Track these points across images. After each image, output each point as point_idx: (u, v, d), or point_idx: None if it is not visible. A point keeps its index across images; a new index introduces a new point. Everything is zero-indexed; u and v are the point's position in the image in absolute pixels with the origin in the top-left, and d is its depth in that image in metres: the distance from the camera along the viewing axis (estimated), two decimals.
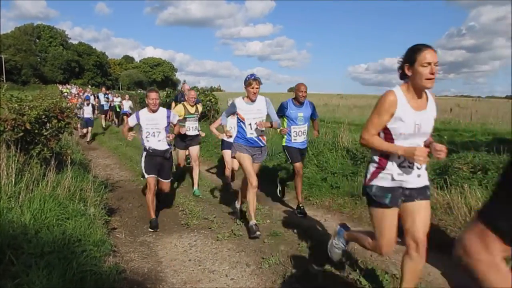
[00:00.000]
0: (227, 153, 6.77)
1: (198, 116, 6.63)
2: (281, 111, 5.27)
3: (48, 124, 5.06)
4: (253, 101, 4.55)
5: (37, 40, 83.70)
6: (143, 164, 4.96)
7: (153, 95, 4.91)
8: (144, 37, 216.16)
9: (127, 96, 18.21)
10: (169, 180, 5.18)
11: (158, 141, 4.95)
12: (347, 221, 4.96)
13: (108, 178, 7.23)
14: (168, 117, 5.05)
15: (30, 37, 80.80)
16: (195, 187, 6.53)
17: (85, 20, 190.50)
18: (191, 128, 6.45)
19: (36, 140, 4.89)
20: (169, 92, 17.20)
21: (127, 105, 16.96)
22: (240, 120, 4.62)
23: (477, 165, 4.97)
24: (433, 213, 4.53)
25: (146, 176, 4.92)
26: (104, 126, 16.77)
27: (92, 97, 15.53)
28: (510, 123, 14.45)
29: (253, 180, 4.44)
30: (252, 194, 4.49)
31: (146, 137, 4.94)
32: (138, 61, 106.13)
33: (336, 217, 5.12)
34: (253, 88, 4.44)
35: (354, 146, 7.17)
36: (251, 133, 4.56)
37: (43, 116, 4.93)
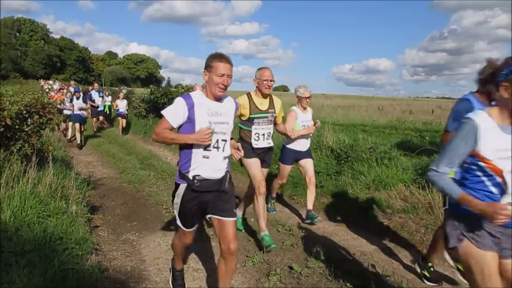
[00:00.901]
0: (286, 169, 5.02)
1: (274, 116, 4.07)
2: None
3: (29, 120, 4.97)
4: None
5: (17, 34, 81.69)
6: (177, 206, 2.68)
7: (223, 66, 2.53)
8: (128, 33, 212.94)
9: (121, 95, 15.58)
10: (234, 219, 2.70)
11: (223, 159, 2.66)
12: (334, 218, 5.03)
13: (90, 175, 7.12)
14: (236, 110, 2.85)
15: (10, 30, 78.71)
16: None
17: (68, 14, 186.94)
18: (262, 136, 3.97)
19: (16, 136, 4.81)
20: (153, 89, 16.11)
21: (122, 105, 14.48)
22: (485, 173, 1.94)
23: None
24: (414, 212, 4.65)
25: (182, 227, 2.77)
26: (95, 129, 14.59)
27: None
28: None
29: None
30: None
31: (206, 149, 2.56)
32: (122, 57, 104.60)
33: (320, 215, 5.15)
34: None
35: (338, 146, 7.27)
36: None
37: (24, 112, 4.85)
